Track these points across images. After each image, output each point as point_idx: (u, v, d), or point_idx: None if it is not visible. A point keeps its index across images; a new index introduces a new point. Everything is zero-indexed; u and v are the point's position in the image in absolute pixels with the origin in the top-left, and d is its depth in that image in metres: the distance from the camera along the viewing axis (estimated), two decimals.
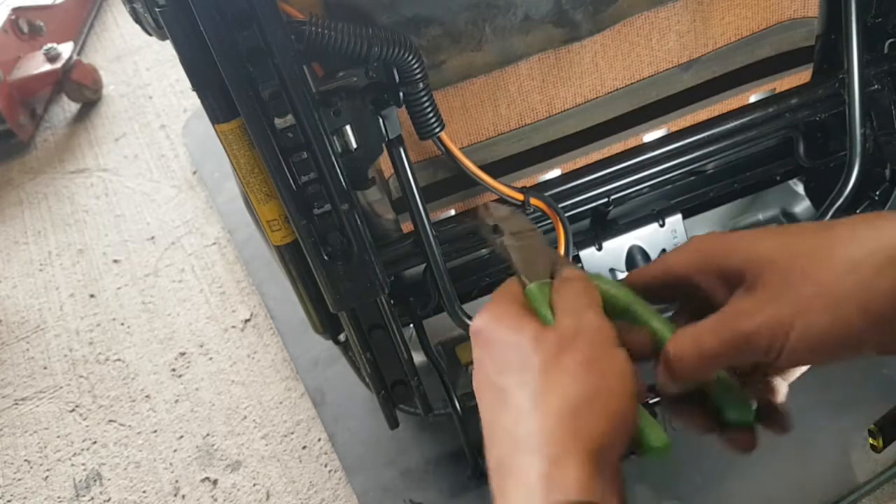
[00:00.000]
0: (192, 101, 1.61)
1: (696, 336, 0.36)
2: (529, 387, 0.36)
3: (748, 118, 0.69)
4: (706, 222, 0.87)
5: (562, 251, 0.64)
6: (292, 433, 1.00)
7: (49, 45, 1.66)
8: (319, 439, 0.98)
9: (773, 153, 0.78)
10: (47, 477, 1.04)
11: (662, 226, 0.75)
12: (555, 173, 0.69)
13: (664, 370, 0.37)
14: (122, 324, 1.22)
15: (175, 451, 1.03)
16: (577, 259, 0.73)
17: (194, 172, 1.47)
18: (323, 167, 0.51)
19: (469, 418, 0.77)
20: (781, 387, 0.40)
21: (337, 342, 0.72)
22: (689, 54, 0.67)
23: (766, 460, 0.80)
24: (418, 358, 0.73)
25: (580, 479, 0.32)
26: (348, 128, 0.52)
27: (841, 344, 0.33)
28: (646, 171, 0.69)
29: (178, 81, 1.72)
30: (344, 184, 0.53)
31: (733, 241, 0.37)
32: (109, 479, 1.02)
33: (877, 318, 0.32)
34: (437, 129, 0.55)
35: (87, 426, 1.09)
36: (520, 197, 0.61)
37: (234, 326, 1.16)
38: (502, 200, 0.63)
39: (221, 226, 1.33)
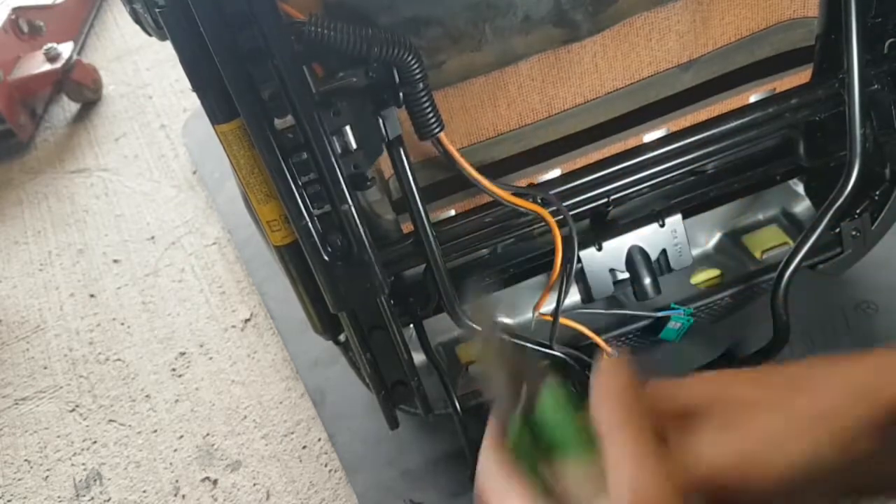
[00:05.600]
0: (192, 101, 1.61)
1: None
2: None
3: (748, 118, 0.69)
4: (706, 222, 0.87)
5: (559, 258, 0.64)
6: (292, 433, 1.00)
7: (49, 44, 1.66)
8: (319, 439, 0.98)
9: (773, 153, 0.78)
10: (47, 477, 1.04)
11: (662, 226, 0.75)
12: (555, 173, 0.69)
13: None
14: (122, 324, 1.22)
15: (175, 450, 1.03)
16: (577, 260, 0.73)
17: (194, 172, 1.47)
18: (323, 167, 0.51)
19: (469, 418, 0.77)
20: None
21: (337, 342, 0.71)
22: (689, 54, 0.67)
23: None
24: (418, 358, 0.73)
25: None
26: (348, 128, 0.52)
27: None
28: (646, 171, 0.69)
29: (178, 81, 1.72)
30: (344, 184, 0.53)
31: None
32: (109, 479, 1.02)
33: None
34: (437, 130, 0.55)
35: (87, 426, 1.09)
36: (510, 199, 0.61)
37: (234, 326, 1.16)
38: (496, 203, 0.63)
39: (221, 226, 1.33)
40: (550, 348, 0.72)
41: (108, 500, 1.00)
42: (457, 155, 0.57)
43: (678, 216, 0.75)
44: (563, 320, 0.69)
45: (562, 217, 0.65)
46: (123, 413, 1.09)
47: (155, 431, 1.06)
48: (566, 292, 0.66)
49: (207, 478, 0.99)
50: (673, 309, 0.79)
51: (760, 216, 0.89)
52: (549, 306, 0.68)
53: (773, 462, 0.30)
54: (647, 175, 0.70)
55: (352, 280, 0.57)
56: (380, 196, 0.65)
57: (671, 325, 0.79)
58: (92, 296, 1.28)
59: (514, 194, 0.60)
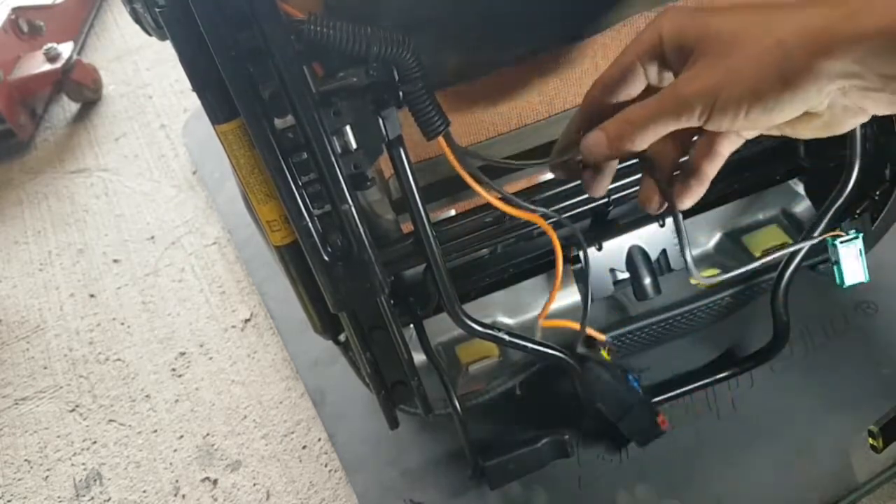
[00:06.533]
0: (192, 101, 1.61)
1: (646, 104, 0.44)
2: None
3: None
4: (706, 222, 0.87)
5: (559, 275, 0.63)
6: (292, 433, 1.00)
7: (49, 44, 1.66)
8: (319, 439, 0.98)
9: (773, 153, 0.78)
10: (47, 477, 1.04)
11: (662, 226, 0.75)
12: None
13: (619, 129, 0.45)
14: (122, 323, 1.22)
15: (175, 450, 1.03)
16: (576, 260, 0.73)
17: (194, 172, 1.47)
18: (323, 168, 0.51)
19: (469, 418, 0.77)
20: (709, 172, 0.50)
21: (337, 342, 0.71)
22: None
23: (766, 460, 0.80)
24: (418, 358, 0.73)
25: None
26: (348, 128, 0.52)
27: (760, 108, 0.39)
28: None
29: (178, 81, 1.72)
30: (344, 184, 0.53)
31: (688, 21, 0.43)
32: (109, 479, 1.02)
33: (791, 87, 0.38)
34: (442, 128, 0.54)
35: (87, 426, 1.09)
36: (505, 208, 0.60)
37: (234, 326, 1.16)
38: (487, 207, 0.63)
39: (221, 226, 1.33)
40: (553, 349, 0.72)
41: (108, 500, 1.00)
42: (451, 157, 0.57)
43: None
44: (566, 322, 0.69)
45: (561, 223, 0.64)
46: (123, 413, 1.09)
47: (155, 431, 1.06)
48: (587, 300, 0.66)
49: (207, 478, 0.99)
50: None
51: (760, 216, 0.89)
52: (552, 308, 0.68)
53: (730, 88, 0.40)
54: None
55: (352, 280, 0.57)
56: (380, 196, 0.65)
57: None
58: (92, 296, 1.28)
59: (511, 204, 0.59)
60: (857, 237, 0.65)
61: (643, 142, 0.45)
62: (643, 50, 0.46)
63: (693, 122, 0.42)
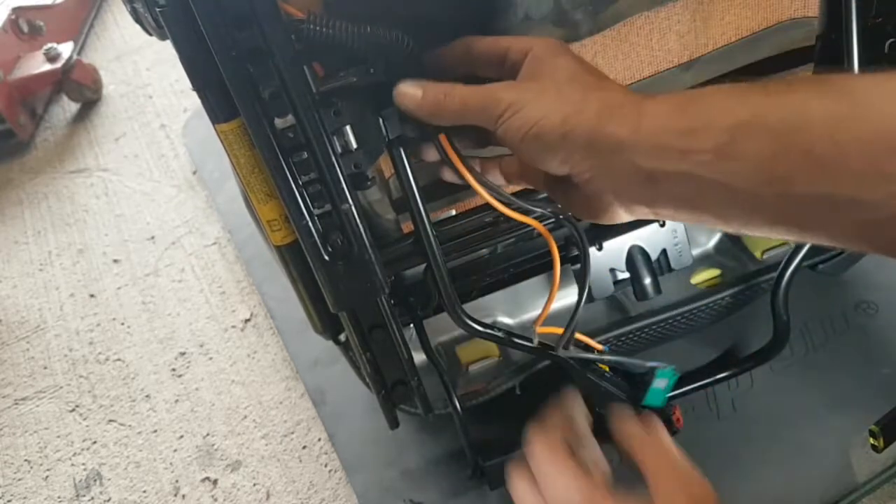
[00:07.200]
0: (192, 101, 1.61)
1: (466, 87, 0.48)
2: None
3: None
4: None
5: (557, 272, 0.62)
6: (292, 433, 1.00)
7: (49, 44, 1.66)
8: (319, 439, 0.98)
9: None
10: (47, 477, 1.04)
11: (662, 226, 0.75)
12: None
13: (436, 94, 0.49)
14: (122, 323, 1.22)
15: (175, 450, 1.03)
16: (575, 260, 0.73)
17: (194, 172, 1.47)
18: (323, 167, 0.51)
19: (469, 418, 0.77)
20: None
21: (337, 342, 0.71)
22: (690, 54, 0.67)
23: (766, 460, 0.80)
24: (418, 358, 0.73)
25: None
26: (348, 128, 0.52)
27: (533, 139, 0.44)
28: None
29: (178, 81, 1.72)
30: (344, 184, 0.53)
31: (543, 57, 0.47)
32: (109, 479, 1.02)
33: (563, 138, 0.42)
34: (436, 130, 0.54)
35: (87, 426, 1.09)
36: (506, 212, 0.60)
37: (234, 326, 1.16)
38: (487, 207, 0.63)
39: (221, 226, 1.33)
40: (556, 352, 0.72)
41: (108, 500, 1.00)
42: (455, 158, 0.57)
43: None
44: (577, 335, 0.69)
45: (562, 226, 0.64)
46: (123, 413, 1.09)
47: (155, 431, 1.06)
48: (579, 302, 0.66)
49: (207, 478, 0.99)
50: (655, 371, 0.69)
51: None
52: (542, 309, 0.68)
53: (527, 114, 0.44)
54: None
55: (352, 279, 0.57)
56: (380, 196, 0.65)
57: (656, 384, 0.69)
58: (92, 296, 1.28)
59: (513, 207, 0.59)
60: (673, 376, 0.69)
61: (446, 117, 0.49)
62: (499, 53, 0.50)
63: (491, 124, 0.46)
